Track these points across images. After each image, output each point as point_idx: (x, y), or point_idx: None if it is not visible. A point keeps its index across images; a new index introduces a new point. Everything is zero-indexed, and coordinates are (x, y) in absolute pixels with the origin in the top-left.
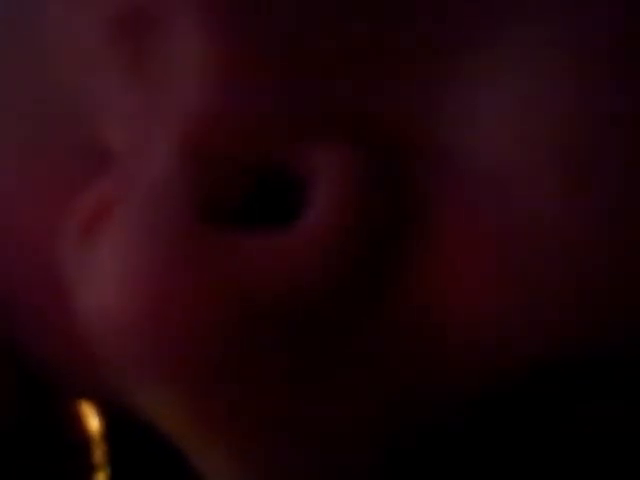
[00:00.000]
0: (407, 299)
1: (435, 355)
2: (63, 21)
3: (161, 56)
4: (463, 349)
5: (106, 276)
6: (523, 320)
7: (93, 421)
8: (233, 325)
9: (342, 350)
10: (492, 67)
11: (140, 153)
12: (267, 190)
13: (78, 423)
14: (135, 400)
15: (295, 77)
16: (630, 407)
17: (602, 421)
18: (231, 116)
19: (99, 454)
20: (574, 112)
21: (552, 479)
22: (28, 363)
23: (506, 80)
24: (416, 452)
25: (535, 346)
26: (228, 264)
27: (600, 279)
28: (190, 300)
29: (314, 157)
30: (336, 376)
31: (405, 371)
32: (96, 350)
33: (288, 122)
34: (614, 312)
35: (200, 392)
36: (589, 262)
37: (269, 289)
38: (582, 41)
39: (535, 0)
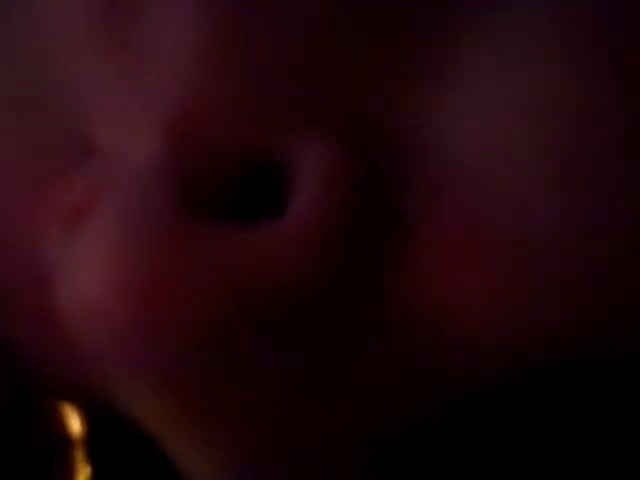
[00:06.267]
0: (398, 299)
1: (432, 355)
2: (48, 8)
3: (146, 44)
4: (461, 349)
5: (89, 267)
6: (522, 320)
7: (74, 423)
8: (215, 319)
9: (330, 350)
10: (476, 62)
11: (124, 143)
12: (250, 186)
13: (59, 425)
14: (119, 397)
15: (280, 73)
16: (633, 407)
17: (604, 422)
18: (214, 104)
19: (80, 456)
20: (560, 107)
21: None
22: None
23: (490, 76)
24: (415, 451)
25: (535, 346)
26: (210, 257)
27: (599, 278)
28: (176, 291)
29: (297, 153)
30: (326, 376)
31: (402, 371)
32: (79, 345)
33: (273, 115)
34: (614, 312)
35: (183, 387)
36: (588, 262)
37: (246, 286)
38: (567, 30)
39: None
